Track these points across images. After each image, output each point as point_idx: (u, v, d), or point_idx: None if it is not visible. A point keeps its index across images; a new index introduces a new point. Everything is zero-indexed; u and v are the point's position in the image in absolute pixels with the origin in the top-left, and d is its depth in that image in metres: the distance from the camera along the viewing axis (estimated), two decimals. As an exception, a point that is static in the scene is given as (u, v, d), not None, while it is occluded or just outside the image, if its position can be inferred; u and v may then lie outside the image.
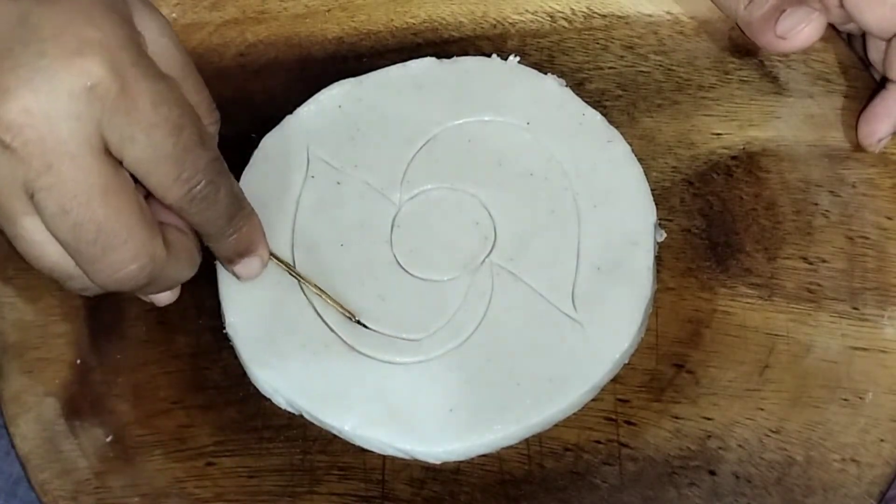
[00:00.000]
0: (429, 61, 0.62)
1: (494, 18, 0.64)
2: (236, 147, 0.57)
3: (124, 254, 0.44)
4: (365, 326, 0.55)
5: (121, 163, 0.44)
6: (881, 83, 0.59)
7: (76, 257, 0.44)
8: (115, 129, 0.43)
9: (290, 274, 0.55)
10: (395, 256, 0.57)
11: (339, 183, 0.59)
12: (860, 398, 0.53)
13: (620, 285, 0.56)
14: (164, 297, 0.52)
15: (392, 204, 0.58)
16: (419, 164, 0.59)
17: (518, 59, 0.62)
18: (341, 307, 0.55)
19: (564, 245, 0.57)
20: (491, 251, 0.57)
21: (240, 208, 0.49)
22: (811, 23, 0.55)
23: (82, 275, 0.45)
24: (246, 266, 0.52)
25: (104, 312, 0.57)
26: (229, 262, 0.52)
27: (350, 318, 0.55)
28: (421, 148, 0.59)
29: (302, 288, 0.56)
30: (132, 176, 0.45)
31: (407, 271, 0.57)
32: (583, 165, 0.58)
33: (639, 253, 0.56)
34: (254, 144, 0.60)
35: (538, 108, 0.60)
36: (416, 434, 0.53)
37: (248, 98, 0.62)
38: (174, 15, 0.65)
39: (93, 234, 0.43)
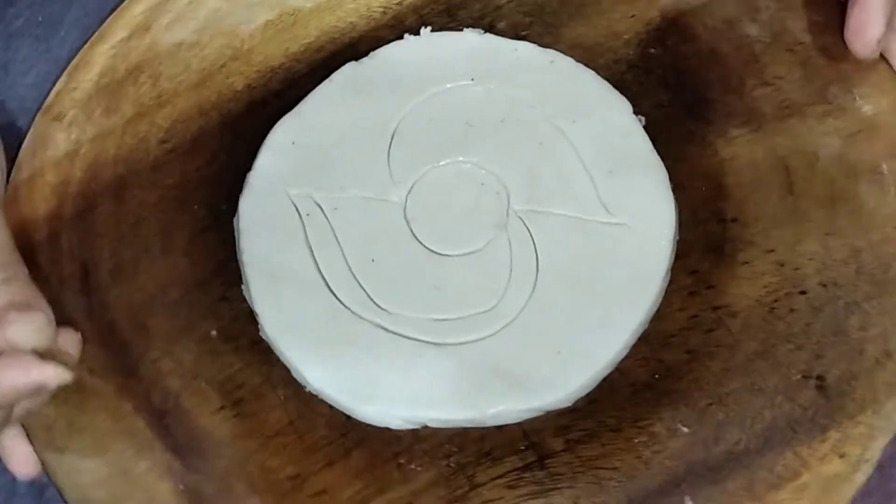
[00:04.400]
0: (349, 67, 0.62)
1: (381, 6, 0.65)
2: (225, 219, 0.58)
3: None
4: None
5: None
6: None
7: None
8: None
9: None
10: (426, 247, 0.57)
11: (336, 209, 0.58)
12: (880, 172, 0.58)
13: (638, 175, 0.58)
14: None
15: (396, 204, 0.58)
16: (398, 158, 0.59)
17: (430, 28, 0.63)
18: None
19: (568, 165, 0.58)
20: (509, 202, 0.58)
21: None
22: None
23: None
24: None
25: (175, 430, 0.55)
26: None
27: None
28: (391, 144, 0.60)
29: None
30: None
31: (447, 255, 0.57)
32: (542, 93, 0.60)
33: (636, 141, 0.58)
34: (231, 214, 0.59)
35: (473, 61, 0.61)
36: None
37: (197, 177, 0.61)
38: (74, 136, 0.62)
39: None
